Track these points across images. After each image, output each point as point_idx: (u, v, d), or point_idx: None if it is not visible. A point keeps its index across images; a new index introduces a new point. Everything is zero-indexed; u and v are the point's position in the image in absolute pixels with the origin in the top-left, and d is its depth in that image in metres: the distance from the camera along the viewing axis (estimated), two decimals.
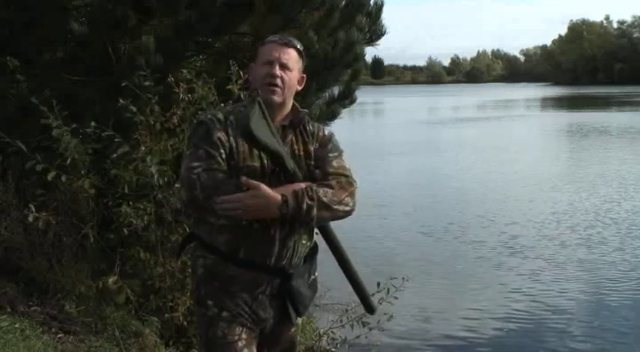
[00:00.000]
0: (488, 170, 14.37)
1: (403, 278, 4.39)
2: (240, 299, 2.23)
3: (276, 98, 2.23)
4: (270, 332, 2.34)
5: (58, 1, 4.56)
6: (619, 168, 14.04)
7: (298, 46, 2.31)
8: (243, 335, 2.24)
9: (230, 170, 2.14)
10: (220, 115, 2.24)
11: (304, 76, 2.36)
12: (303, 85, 2.37)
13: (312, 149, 2.32)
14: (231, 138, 2.19)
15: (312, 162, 2.30)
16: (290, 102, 2.32)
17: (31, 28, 4.57)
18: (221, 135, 2.17)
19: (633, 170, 13.67)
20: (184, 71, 4.30)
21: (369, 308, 2.64)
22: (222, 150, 2.15)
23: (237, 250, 2.20)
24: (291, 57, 2.27)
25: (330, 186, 2.22)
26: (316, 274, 2.41)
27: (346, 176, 2.29)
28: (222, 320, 2.23)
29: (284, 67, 2.24)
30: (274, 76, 2.22)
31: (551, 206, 10.48)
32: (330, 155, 2.33)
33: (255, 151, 2.20)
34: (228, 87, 4.08)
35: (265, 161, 2.20)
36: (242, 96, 3.85)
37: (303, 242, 2.29)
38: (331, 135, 2.42)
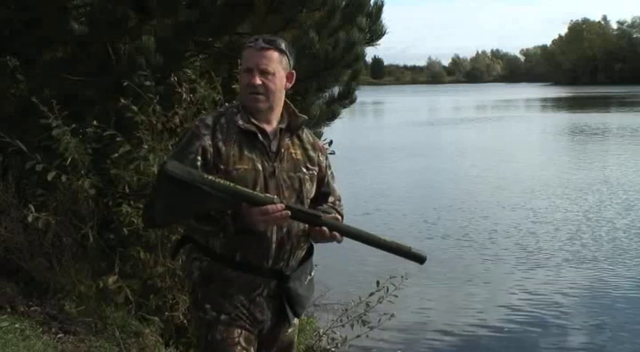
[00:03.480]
0: (489, 172, 14.35)
1: (402, 277, 4.38)
2: (237, 301, 2.22)
3: (261, 105, 2.22)
4: (268, 334, 2.33)
5: (58, 1, 4.55)
6: (620, 172, 13.99)
7: (280, 46, 2.23)
8: (242, 338, 2.24)
9: (219, 173, 2.13)
10: (209, 120, 2.23)
11: (293, 72, 2.31)
12: (293, 82, 2.33)
13: (314, 156, 2.34)
14: (220, 143, 2.18)
15: (316, 168, 2.34)
16: (280, 103, 2.29)
17: (31, 28, 4.57)
18: (204, 141, 2.17)
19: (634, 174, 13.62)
20: (189, 71, 4.30)
21: (418, 258, 2.31)
22: (198, 157, 2.15)
23: (234, 253, 2.20)
24: (271, 60, 2.20)
25: (342, 216, 2.39)
26: (312, 274, 2.40)
27: (340, 200, 2.46)
28: (220, 324, 2.22)
29: (264, 72, 2.19)
30: (254, 86, 2.19)
31: (551, 208, 10.48)
32: (329, 172, 2.43)
33: (247, 154, 2.19)
34: (233, 86, 4.07)
35: (258, 164, 2.20)
36: None
37: (301, 244, 2.29)
38: (330, 144, 2.48)
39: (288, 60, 2.27)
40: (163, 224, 2.15)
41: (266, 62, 2.19)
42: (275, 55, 2.22)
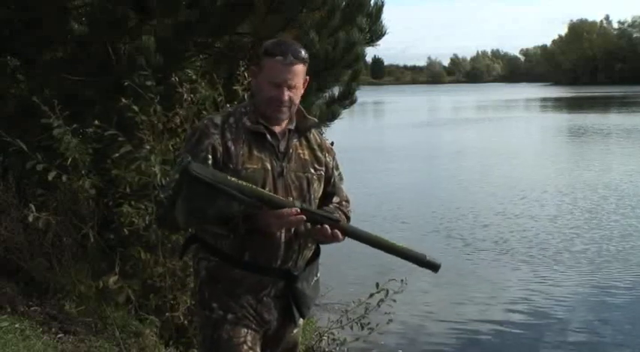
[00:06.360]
0: (488, 174, 14.33)
1: (402, 281, 4.38)
2: (244, 301, 2.22)
3: (284, 116, 2.24)
4: (273, 334, 2.33)
5: (58, 1, 4.56)
6: (621, 173, 13.95)
7: (305, 58, 2.22)
8: (249, 337, 2.23)
9: (229, 173, 2.13)
10: (218, 119, 2.23)
11: (307, 78, 2.31)
12: (306, 86, 2.34)
13: (321, 156, 2.35)
14: (229, 142, 2.18)
15: (323, 168, 2.34)
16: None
17: (31, 28, 4.57)
18: (213, 140, 2.17)
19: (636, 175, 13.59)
20: (190, 71, 4.30)
21: (432, 267, 2.32)
22: (209, 156, 2.15)
23: (243, 253, 2.19)
24: (298, 74, 2.20)
25: (348, 218, 2.37)
26: (319, 275, 2.41)
27: (347, 202, 2.44)
28: (227, 323, 2.22)
29: (291, 87, 2.20)
30: (282, 101, 2.19)
31: (552, 209, 10.48)
32: (337, 173, 2.43)
33: (256, 153, 2.20)
34: (235, 87, 4.07)
35: (267, 164, 2.20)
36: (245, 96, 3.85)
37: (308, 244, 2.29)
38: (331, 145, 2.48)
39: (307, 67, 2.28)
40: (186, 227, 2.13)
41: (295, 78, 2.19)
42: (301, 67, 2.21)
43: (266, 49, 2.21)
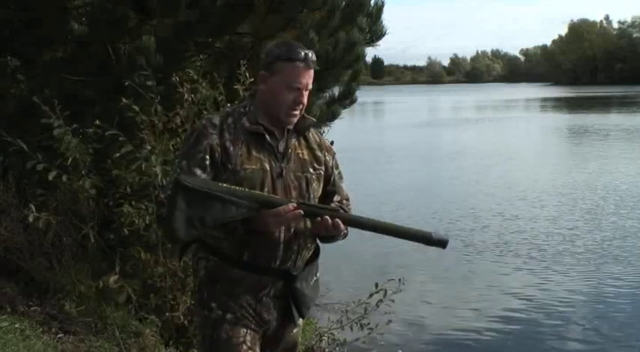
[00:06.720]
0: (488, 174, 14.33)
1: (400, 280, 4.38)
2: (243, 301, 2.22)
3: (296, 119, 2.26)
4: (273, 334, 2.33)
5: (58, 1, 4.56)
6: (622, 174, 13.95)
7: (315, 60, 2.25)
8: (248, 337, 2.23)
9: (227, 173, 2.14)
10: (216, 119, 2.23)
11: None
12: None
13: (320, 155, 2.35)
14: (228, 142, 2.17)
15: (323, 168, 2.35)
16: None
17: (31, 28, 4.57)
18: (212, 140, 2.16)
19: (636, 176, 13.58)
20: (191, 71, 4.30)
21: (441, 243, 2.21)
22: (207, 156, 2.15)
23: (241, 253, 2.20)
24: (312, 76, 2.24)
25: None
26: (318, 275, 2.41)
27: (348, 200, 2.45)
28: (226, 323, 2.22)
29: (307, 90, 2.23)
30: (302, 103, 2.22)
31: (551, 210, 10.49)
32: (336, 171, 2.43)
33: (255, 154, 2.20)
34: (235, 87, 4.07)
35: (266, 164, 2.20)
36: (245, 96, 3.84)
37: (308, 245, 2.29)
38: (331, 145, 2.49)
39: None
40: (188, 237, 2.14)
41: (310, 80, 2.23)
42: (313, 70, 2.25)
43: (279, 54, 2.21)
